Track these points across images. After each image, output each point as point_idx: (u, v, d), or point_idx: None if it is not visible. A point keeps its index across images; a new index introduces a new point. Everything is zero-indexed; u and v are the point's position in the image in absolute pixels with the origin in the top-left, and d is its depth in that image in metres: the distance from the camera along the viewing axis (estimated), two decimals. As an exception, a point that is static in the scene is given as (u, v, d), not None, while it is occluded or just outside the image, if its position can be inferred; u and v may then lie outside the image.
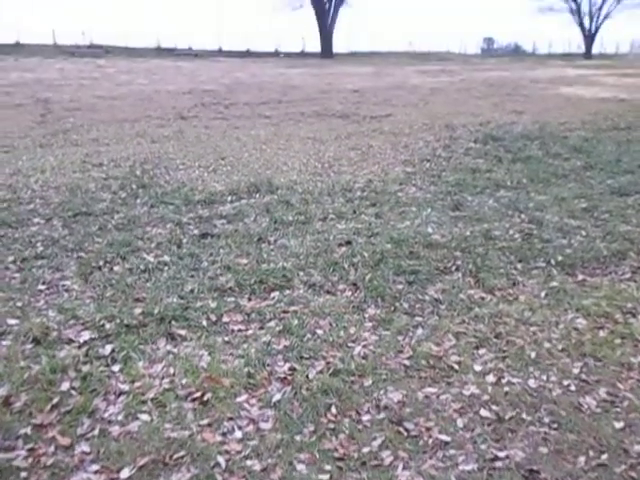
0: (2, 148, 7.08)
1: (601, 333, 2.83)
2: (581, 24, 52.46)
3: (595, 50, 53.00)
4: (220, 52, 37.45)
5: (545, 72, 22.97)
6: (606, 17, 52.13)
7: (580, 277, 3.52)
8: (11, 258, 3.64)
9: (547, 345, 2.72)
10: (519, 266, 3.64)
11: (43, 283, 3.33)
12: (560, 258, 3.73)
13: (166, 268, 3.54)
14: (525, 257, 3.76)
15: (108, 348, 2.63)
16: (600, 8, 51.84)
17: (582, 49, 52.69)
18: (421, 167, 6.29)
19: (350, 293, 3.26)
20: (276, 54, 39.42)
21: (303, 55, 39.89)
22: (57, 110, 10.15)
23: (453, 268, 3.59)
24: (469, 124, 8.95)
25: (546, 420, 2.18)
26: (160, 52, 32.43)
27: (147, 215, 4.54)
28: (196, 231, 4.21)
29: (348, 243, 3.96)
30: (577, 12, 52.23)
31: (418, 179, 5.77)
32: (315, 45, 41.53)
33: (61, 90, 12.92)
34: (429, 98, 13.16)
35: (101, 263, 3.59)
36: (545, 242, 4.01)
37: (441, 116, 9.97)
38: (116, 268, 3.54)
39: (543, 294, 3.26)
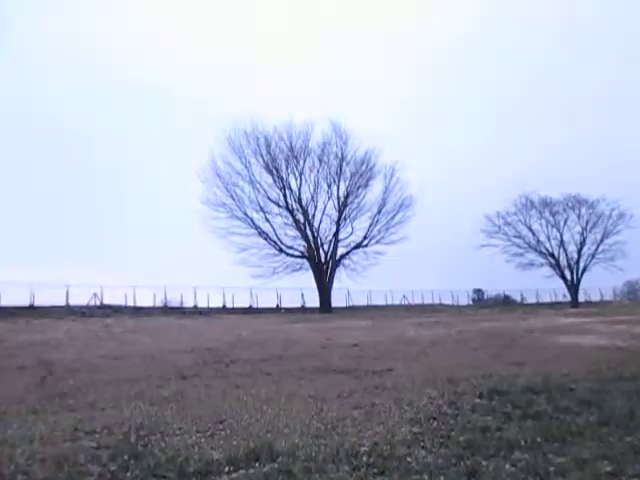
0: (-6, 415, 6.87)
1: None
2: (563, 276, 56.43)
3: (580, 297, 56.00)
4: (224, 309, 39.26)
5: (537, 321, 23.77)
6: (585, 269, 56.40)
7: None
8: None
9: None
10: None
11: None
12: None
13: None
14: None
15: None
16: (577, 262, 56.43)
17: (568, 297, 55.65)
18: (428, 426, 6.02)
19: None
20: (277, 309, 41.28)
21: (303, 310, 41.71)
22: (58, 372, 10.16)
23: None
24: (471, 377, 8.88)
25: None
26: (166, 310, 33.95)
27: (136, 492, 4.17)
28: (188, 511, 3.81)
29: (357, 523, 3.55)
30: (557, 266, 56.63)
31: (427, 440, 5.47)
32: (314, 299, 43.82)
33: (65, 351, 13.14)
34: (428, 350, 13.33)
35: None
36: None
37: (442, 369, 9.95)
38: None
39: None
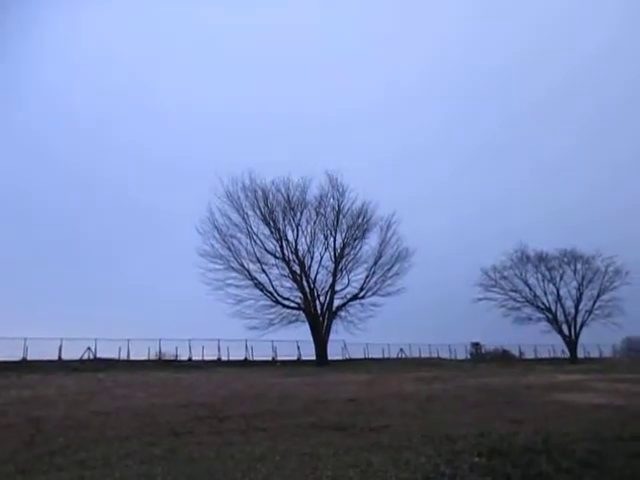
0: (-19, 475, 6.70)
1: None
2: (561, 331, 55.97)
3: (579, 353, 55.30)
4: (219, 362, 38.67)
5: (536, 378, 23.47)
6: (582, 325, 55.99)
7: None
8: None
9: None
10: None
11: None
12: None
13: None
14: None
15: None
16: (575, 317, 56.10)
17: (566, 353, 54.99)
18: (426, 488, 5.89)
19: None
20: (273, 362, 40.67)
21: (299, 363, 41.12)
22: (48, 429, 9.93)
23: None
24: (470, 435, 8.72)
25: None
26: (161, 364, 33.43)
27: None
28: None
29: None
30: (554, 321, 56.25)
31: (424, 503, 5.34)
32: (310, 351, 43.20)
33: (56, 407, 12.88)
34: (426, 406, 13.11)
35: None
36: None
37: (440, 426, 9.77)
38: None
39: None
